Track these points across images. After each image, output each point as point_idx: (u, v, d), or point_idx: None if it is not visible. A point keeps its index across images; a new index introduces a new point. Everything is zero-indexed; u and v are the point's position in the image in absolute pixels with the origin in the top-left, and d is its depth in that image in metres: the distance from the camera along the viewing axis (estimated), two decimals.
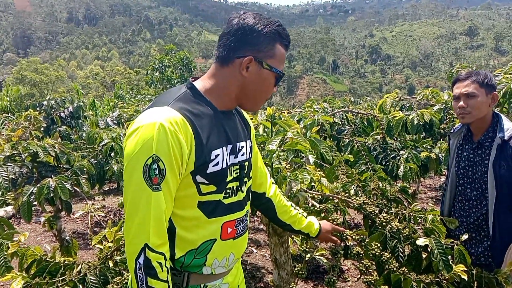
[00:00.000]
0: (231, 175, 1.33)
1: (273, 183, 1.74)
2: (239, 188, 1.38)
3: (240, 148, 1.39)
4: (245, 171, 1.42)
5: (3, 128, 7.90)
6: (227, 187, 1.32)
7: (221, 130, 1.31)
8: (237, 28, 1.29)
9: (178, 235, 1.27)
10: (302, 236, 1.90)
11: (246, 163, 1.42)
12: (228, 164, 1.31)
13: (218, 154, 1.27)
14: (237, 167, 1.36)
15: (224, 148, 1.30)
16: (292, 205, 1.75)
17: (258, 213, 3.28)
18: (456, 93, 2.24)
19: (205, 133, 1.24)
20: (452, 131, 2.50)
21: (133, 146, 1.16)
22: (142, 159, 1.14)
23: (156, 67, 19.32)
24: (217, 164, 1.26)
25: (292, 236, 2.19)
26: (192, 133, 1.19)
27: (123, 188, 1.22)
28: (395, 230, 1.91)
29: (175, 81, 21.33)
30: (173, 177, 1.18)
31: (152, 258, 1.16)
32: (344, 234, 1.86)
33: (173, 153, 1.15)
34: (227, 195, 1.33)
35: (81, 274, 1.87)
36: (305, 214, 1.79)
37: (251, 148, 1.48)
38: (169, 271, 1.21)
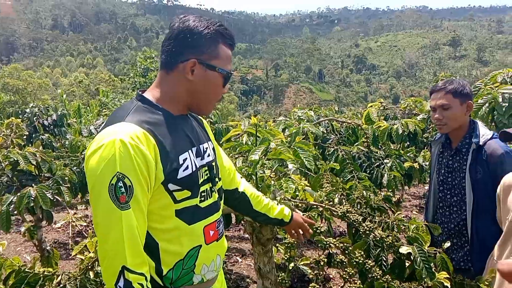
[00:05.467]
0: (202, 177, 1.33)
1: (241, 177, 1.74)
2: (213, 189, 1.38)
3: (205, 149, 1.39)
4: (214, 171, 1.41)
5: None
6: (201, 190, 1.32)
7: (183, 134, 1.30)
8: (178, 32, 1.26)
9: (162, 249, 1.24)
10: (278, 226, 1.93)
11: (214, 163, 1.42)
12: (197, 166, 1.30)
13: (186, 158, 1.26)
14: (206, 168, 1.36)
15: (190, 151, 1.29)
16: (262, 195, 1.75)
17: (242, 222, 3.26)
18: (432, 105, 2.31)
19: (167, 140, 1.21)
20: (433, 139, 2.56)
21: (94, 167, 1.12)
22: (106, 179, 1.11)
23: (138, 70, 19.10)
24: (187, 168, 1.25)
25: (277, 245, 2.18)
26: (155, 144, 1.17)
27: (92, 212, 1.17)
28: (378, 238, 1.92)
29: None
30: (142, 192, 1.15)
31: (133, 280, 1.12)
32: (328, 242, 1.87)
33: (138, 167, 1.12)
34: (203, 198, 1.32)
35: (61, 285, 1.84)
36: (275, 201, 1.81)
37: (213, 149, 1.48)
38: None
